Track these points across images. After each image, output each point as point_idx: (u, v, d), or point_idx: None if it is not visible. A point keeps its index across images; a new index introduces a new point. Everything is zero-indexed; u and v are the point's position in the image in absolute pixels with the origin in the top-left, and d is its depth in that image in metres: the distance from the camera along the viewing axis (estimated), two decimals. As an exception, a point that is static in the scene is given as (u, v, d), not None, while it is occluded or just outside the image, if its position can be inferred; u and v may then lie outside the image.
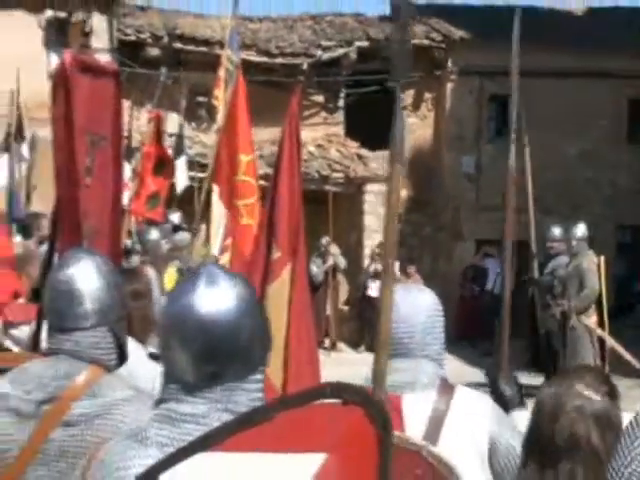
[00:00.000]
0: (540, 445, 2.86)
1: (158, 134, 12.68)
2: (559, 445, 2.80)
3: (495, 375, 4.38)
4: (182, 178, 15.81)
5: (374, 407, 1.89)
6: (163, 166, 12.41)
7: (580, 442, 2.81)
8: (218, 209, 8.35)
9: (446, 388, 3.78)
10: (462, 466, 3.39)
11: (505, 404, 4.12)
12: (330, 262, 20.16)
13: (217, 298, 2.55)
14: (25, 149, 18.12)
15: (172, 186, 13.31)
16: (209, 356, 2.53)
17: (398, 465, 2.02)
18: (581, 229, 13.71)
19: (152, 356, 4.63)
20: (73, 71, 4.34)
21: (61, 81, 4.38)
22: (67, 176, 4.45)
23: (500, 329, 5.01)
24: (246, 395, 2.54)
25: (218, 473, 1.91)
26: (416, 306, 3.88)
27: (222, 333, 2.53)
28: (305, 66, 22.12)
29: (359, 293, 20.70)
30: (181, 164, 16.02)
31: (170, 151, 15.63)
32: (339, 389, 1.90)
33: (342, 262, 20.52)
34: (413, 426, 3.62)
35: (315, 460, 1.85)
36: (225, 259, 8.12)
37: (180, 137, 16.61)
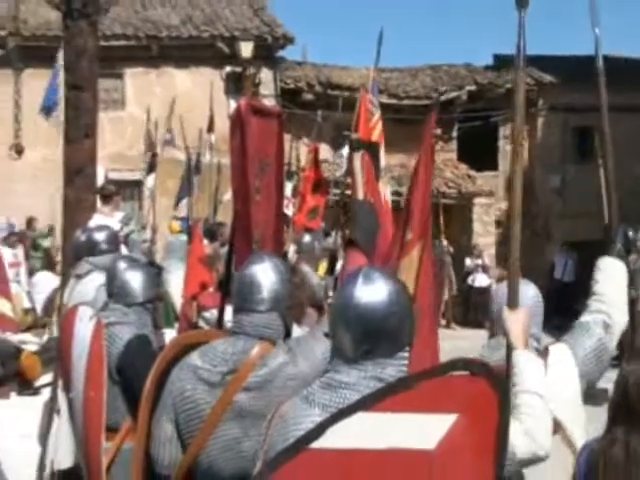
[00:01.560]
0: (628, 409, 2.79)
1: (316, 161, 12.84)
2: None
3: None
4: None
5: (496, 379, 1.89)
6: (320, 186, 12.57)
7: None
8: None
9: (541, 356, 3.66)
10: (558, 409, 3.35)
11: None
12: (447, 260, 20.16)
13: (372, 292, 2.57)
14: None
15: (327, 201, 13.46)
16: (364, 337, 2.54)
17: None
18: None
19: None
20: (247, 113, 4.38)
21: (238, 121, 4.41)
22: (242, 194, 4.48)
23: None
24: (393, 368, 2.54)
25: (371, 428, 1.93)
26: (522, 296, 3.76)
27: (375, 319, 2.54)
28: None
29: (466, 285, 20.57)
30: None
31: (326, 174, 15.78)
32: (467, 363, 1.91)
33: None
34: None
35: (449, 419, 1.88)
36: None
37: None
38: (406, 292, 2.70)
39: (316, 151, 13.18)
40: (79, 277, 6.48)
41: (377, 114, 8.85)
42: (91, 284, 6.05)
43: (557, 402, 3.57)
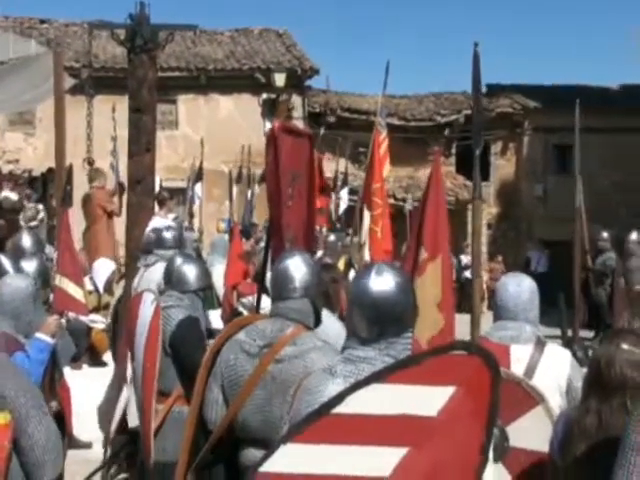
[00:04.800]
0: (600, 384, 2.78)
1: (320, 169, 12.88)
2: (614, 382, 2.73)
3: (571, 343, 4.25)
4: (344, 202, 16.01)
5: (489, 357, 1.87)
6: (323, 190, 12.71)
7: (627, 381, 2.74)
8: (366, 221, 8.42)
9: (540, 343, 3.69)
10: (548, 395, 3.35)
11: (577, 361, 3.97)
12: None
13: (382, 283, 2.56)
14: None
15: (329, 203, 13.66)
16: (376, 320, 2.54)
17: (505, 391, 2.01)
18: (635, 235, 11.66)
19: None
20: (279, 133, 4.34)
21: (272, 139, 4.38)
22: (276, 200, 4.44)
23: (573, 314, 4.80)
24: (401, 346, 2.54)
25: (384, 397, 1.92)
26: (521, 286, 3.78)
27: (385, 305, 2.54)
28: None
29: (463, 277, 20.45)
30: (344, 193, 16.18)
31: (339, 183, 15.92)
32: (465, 344, 1.90)
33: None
34: (517, 366, 3.57)
35: (448, 391, 1.88)
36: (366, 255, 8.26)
37: (345, 175, 16.69)
38: (410, 284, 2.69)
39: (320, 160, 13.20)
40: (147, 266, 6.75)
41: (384, 132, 8.89)
42: (157, 272, 6.21)
43: (544, 379, 3.54)
